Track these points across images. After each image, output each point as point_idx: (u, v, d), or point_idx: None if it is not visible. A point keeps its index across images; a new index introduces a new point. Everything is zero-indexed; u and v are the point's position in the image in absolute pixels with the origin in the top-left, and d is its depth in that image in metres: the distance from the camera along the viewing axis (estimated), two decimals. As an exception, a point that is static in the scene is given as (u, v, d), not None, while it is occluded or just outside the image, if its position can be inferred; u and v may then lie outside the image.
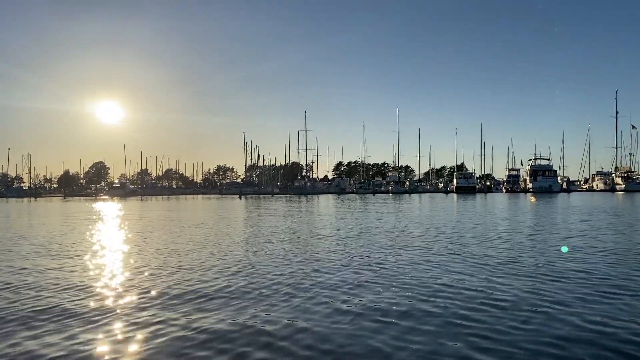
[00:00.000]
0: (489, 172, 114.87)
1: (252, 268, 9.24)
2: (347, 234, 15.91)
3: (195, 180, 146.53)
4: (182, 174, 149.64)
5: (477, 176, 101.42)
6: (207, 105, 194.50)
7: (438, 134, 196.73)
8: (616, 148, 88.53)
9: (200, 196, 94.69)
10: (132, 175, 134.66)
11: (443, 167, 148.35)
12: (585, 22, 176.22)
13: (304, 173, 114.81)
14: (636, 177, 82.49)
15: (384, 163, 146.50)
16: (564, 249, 7.25)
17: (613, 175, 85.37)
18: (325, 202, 48.98)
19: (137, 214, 32.19)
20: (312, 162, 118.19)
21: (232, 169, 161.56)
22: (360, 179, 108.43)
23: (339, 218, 24.60)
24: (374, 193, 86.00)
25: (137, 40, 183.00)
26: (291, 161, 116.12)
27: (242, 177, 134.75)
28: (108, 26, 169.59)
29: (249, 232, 17.35)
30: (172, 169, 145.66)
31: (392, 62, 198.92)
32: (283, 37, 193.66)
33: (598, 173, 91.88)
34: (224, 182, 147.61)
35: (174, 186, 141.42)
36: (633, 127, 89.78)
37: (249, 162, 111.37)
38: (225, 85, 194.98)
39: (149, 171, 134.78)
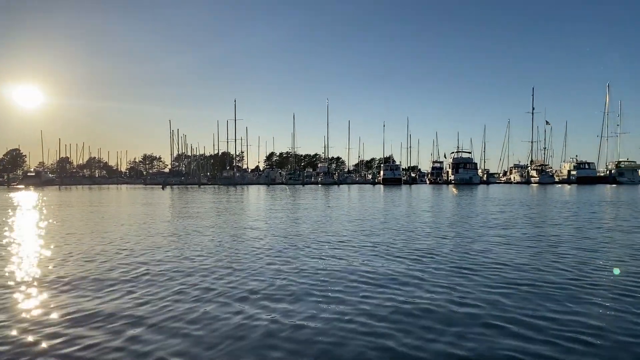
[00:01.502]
0: (415, 165, 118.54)
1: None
2: (252, 224, 15.73)
3: (119, 169, 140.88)
4: (106, 162, 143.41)
5: (404, 168, 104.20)
6: (133, 92, 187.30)
7: (368, 127, 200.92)
8: (532, 142, 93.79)
9: (124, 186, 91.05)
10: (51, 164, 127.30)
11: (372, 159, 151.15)
12: (504, 22, 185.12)
13: (234, 163, 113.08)
14: (549, 170, 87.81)
15: (316, 154, 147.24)
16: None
17: (529, 168, 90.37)
18: (252, 193, 48.46)
19: (32, 204, 30.36)
20: (242, 152, 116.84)
21: (159, 158, 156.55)
22: (292, 170, 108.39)
23: (259, 209, 24.33)
24: (303, 184, 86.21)
25: (61, 24, 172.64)
26: (221, 151, 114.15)
27: (170, 166, 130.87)
28: (31, 8, 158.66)
29: (130, 226, 16.73)
30: (95, 158, 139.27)
31: (322, 54, 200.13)
32: (213, 28, 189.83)
33: (515, 166, 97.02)
34: (150, 171, 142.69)
35: (97, 175, 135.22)
36: (547, 122, 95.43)
37: (176, 152, 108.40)
38: (151, 73, 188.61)
39: (70, 159, 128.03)
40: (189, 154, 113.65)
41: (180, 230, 14.19)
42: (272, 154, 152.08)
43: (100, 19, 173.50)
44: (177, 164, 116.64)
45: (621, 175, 79.20)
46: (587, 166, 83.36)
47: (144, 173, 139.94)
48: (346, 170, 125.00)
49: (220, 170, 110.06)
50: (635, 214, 19.72)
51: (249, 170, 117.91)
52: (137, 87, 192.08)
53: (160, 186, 77.65)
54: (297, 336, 4.74)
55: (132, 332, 4.90)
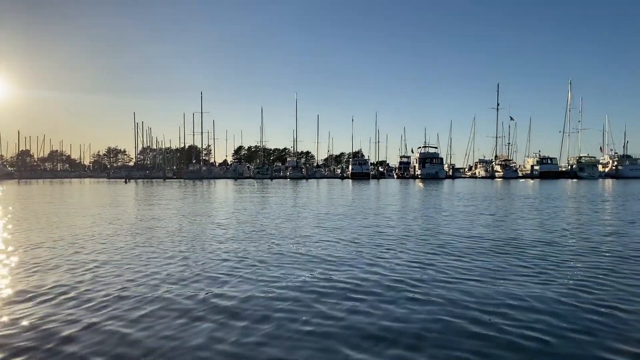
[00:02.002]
0: (383, 159, 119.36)
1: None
2: (209, 220, 15.35)
3: (83, 162, 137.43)
4: (69, 156, 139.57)
5: (372, 163, 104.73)
6: (96, 84, 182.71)
7: (337, 121, 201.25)
8: (496, 138, 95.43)
9: (87, 180, 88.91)
10: (10, 157, 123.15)
11: (342, 154, 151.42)
12: (470, 20, 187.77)
13: (202, 157, 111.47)
14: (513, 165, 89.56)
15: (285, 148, 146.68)
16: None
17: (493, 163, 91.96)
18: (217, 188, 47.77)
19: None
20: (209, 146, 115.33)
21: (124, 151, 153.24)
22: (260, 164, 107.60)
23: (221, 205, 23.88)
24: (271, 178, 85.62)
25: (20, 13, 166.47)
26: (188, 144, 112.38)
27: (135, 160, 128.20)
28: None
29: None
30: (56, 151, 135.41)
31: (290, 48, 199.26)
32: (178, 20, 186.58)
33: (480, 161, 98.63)
34: (115, 165, 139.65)
35: (59, 169, 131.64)
36: (511, 118, 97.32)
37: (141, 145, 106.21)
38: (115, 64, 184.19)
39: (31, 152, 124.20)
40: (155, 147, 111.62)
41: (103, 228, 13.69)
42: (240, 148, 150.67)
43: (62, 8, 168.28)
44: (142, 157, 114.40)
45: (582, 170, 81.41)
46: (549, 161, 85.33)
47: (108, 166, 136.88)
48: (315, 164, 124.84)
49: (187, 164, 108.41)
50: (596, 207, 20.14)
51: (217, 164, 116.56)
52: (100, 79, 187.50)
53: (124, 180, 75.99)
54: (234, 334, 4.47)
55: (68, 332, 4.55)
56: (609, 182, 60.81)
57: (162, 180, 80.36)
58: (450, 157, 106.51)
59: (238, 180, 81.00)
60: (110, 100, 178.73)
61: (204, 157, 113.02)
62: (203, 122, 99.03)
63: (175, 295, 6.04)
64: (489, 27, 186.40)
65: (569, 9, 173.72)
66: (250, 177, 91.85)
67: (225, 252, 9.15)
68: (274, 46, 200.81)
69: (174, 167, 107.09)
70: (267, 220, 15.17)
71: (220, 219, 15.71)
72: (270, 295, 6.01)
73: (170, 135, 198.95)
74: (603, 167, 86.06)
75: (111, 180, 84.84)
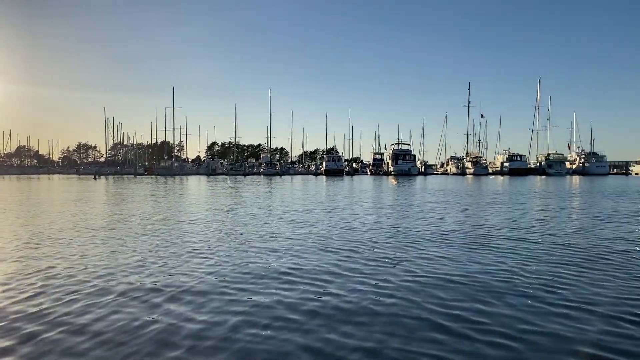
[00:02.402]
0: (357, 156, 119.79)
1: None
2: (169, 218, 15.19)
3: (52, 158, 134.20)
4: (37, 151, 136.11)
5: (346, 159, 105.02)
6: (65, 78, 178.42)
7: (311, 117, 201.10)
8: (467, 135, 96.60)
9: (56, 176, 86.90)
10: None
11: (316, 150, 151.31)
12: (442, 19, 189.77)
13: (174, 153, 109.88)
14: (483, 162, 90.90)
15: (259, 144, 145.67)
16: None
17: (464, 160, 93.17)
18: (189, 184, 47.20)
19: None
20: (182, 142, 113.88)
21: (95, 147, 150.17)
22: (234, 160, 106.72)
23: (191, 199, 23.64)
24: (245, 175, 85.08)
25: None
26: (160, 140, 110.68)
27: (106, 156, 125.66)
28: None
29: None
30: (24, 146, 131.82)
31: (264, 43, 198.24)
32: (151, 16, 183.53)
33: (452, 158, 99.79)
34: (85, 161, 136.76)
35: (27, 165, 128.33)
36: (482, 116, 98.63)
37: (112, 141, 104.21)
38: (85, 59, 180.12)
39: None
40: (126, 143, 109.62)
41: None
42: (213, 144, 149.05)
43: (33, 3, 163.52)
44: (113, 153, 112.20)
45: (550, 167, 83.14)
46: (518, 158, 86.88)
47: (78, 162, 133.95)
48: (290, 160, 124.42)
49: (159, 161, 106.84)
50: (563, 204, 20.62)
51: (189, 160, 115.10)
52: (69, 73, 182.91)
53: (93, 176, 74.52)
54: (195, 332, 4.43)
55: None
56: (576, 179, 62.24)
57: (133, 176, 79.12)
58: (423, 153, 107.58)
59: (211, 176, 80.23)
60: (81, 96, 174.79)
61: (176, 153, 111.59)
62: (175, 118, 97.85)
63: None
64: (461, 26, 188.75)
65: (538, 9, 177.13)
66: (223, 174, 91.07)
67: (188, 249, 9.07)
68: (248, 42, 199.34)
69: (146, 163, 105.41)
70: (236, 217, 15.08)
71: (179, 215, 15.55)
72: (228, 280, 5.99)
73: (142, 131, 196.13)
74: (570, 164, 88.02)
75: (81, 176, 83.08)
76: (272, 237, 10.74)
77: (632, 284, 6.37)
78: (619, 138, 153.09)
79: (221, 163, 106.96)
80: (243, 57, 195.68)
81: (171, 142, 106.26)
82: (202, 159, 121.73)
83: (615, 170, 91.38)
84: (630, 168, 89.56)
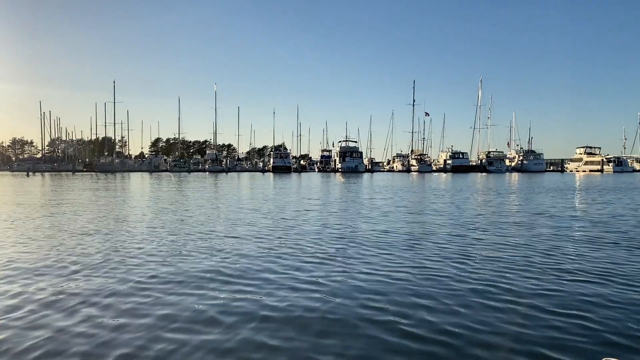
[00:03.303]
0: (306, 152, 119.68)
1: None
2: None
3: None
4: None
5: (295, 156, 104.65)
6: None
7: (259, 114, 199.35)
8: (412, 133, 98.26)
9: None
10: None
11: (265, 147, 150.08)
12: (389, 18, 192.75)
13: (116, 149, 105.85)
14: (427, 159, 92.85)
15: (206, 141, 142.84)
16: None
17: (409, 157, 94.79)
18: (125, 181, 45.54)
19: None
20: (123, 137, 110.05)
21: (31, 142, 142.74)
22: (179, 157, 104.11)
23: (127, 196, 22.64)
24: (189, 171, 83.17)
25: None
26: (101, 136, 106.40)
27: (42, 152, 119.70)
28: None
29: None
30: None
31: (208, 39, 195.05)
32: (92, 9, 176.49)
33: (398, 155, 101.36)
34: (20, 157, 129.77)
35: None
36: (426, 114, 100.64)
37: (49, 136, 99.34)
38: (18, 52, 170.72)
39: None
40: (65, 138, 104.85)
41: None
42: (158, 140, 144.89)
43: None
44: (51, 149, 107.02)
45: (490, 164, 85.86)
46: (461, 156, 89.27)
47: (12, 159, 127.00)
48: (237, 157, 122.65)
49: (99, 157, 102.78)
50: (503, 200, 21.14)
51: (133, 156, 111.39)
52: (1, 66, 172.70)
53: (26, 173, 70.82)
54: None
55: None
56: (514, 176, 64.57)
57: (71, 173, 75.75)
58: (371, 151, 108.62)
59: (153, 173, 77.94)
60: (14, 89, 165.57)
61: (118, 150, 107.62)
62: (116, 113, 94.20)
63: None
64: (406, 25, 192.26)
65: (479, 10, 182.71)
66: (166, 170, 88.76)
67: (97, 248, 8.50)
68: (193, 38, 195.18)
69: (86, 160, 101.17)
70: (169, 216, 14.48)
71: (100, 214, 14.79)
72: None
73: (82, 126, 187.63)
74: (510, 161, 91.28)
75: (15, 173, 78.84)
76: (206, 235, 10.27)
77: (559, 277, 6.37)
78: (555, 136, 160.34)
79: (165, 160, 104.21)
80: (189, 52, 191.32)
81: (114, 138, 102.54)
82: (146, 156, 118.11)
83: (551, 167, 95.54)
84: (565, 165, 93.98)
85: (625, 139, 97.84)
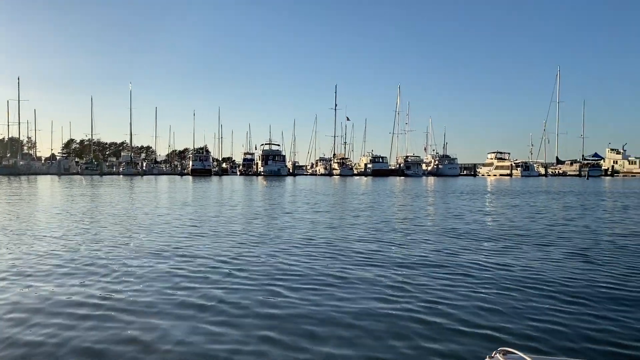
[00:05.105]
0: (229, 155, 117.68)
1: None
2: None
3: None
4: None
5: (217, 159, 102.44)
6: None
7: (179, 115, 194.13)
8: (335, 137, 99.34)
9: None
10: None
11: (186, 149, 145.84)
12: (312, 20, 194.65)
13: (23, 150, 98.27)
14: (349, 163, 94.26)
15: (123, 142, 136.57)
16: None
17: (332, 161, 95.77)
18: (29, 185, 42.27)
19: None
20: (30, 138, 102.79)
21: None
22: (90, 159, 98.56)
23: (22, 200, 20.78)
24: (101, 174, 78.95)
25: None
26: (4, 136, 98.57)
27: None
28: None
29: None
30: None
31: (125, 38, 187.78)
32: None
33: (321, 159, 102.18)
34: None
35: None
36: (348, 119, 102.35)
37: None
38: None
39: None
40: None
41: None
42: (71, 141, 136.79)
43: None
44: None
45: (408, 168, 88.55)
46: (381, 160, 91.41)
47: None
48: (155, 160, 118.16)
49: (2, 159, 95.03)
50: (420, 202, 21.53)
51: (43, 158, 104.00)
52: None
53: None
54: None
55: None
56: (431, 179, 66.95)
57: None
58: (294, 154, 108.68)
59: (63, 176, 73.14)
60: None
61: (26, 151, 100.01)
62: (21, 111, 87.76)
63: None
64: (329, 30, 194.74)
65: (399, 16, 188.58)
66: (77, 173, 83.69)
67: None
68: (109, 37, 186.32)
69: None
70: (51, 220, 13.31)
71: None
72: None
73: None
74: (426, 165, 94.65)
75: None
76: (91, 241, 9.38)
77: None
78: (468, 142, 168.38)
79: (76, 162, 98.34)
80: (99, 49, 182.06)
81: (22, 139, 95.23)
82: (57, 158, 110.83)
83: (465, 171, 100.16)
84: (478, 170, 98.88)
85: (532, 145, 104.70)
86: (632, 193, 30.60)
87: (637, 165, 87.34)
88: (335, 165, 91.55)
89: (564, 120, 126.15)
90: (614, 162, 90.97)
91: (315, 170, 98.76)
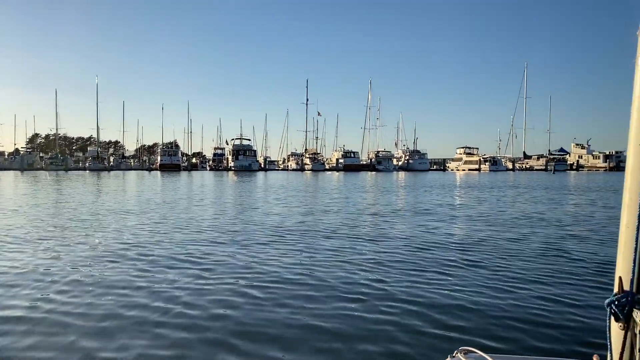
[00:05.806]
0: (199, 150, 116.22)
1: None
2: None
3: None
4: None
5: (186, 154, 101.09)
6: None
7: (147, 110, 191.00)
8: (306, 132, 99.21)
9: None
10: None
11: (155, 144, 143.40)
12: (284, 15, 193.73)
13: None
14: (321, 158, 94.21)
15: (90, 137, 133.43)
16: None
17: (304, 156, 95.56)
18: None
19: None
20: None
21: None
22: (58, 154, 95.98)
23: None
24: (66, 170, 77.03)
25: None
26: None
27: None
28: None
29: None
30: None
31: (94, 31, 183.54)
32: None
33: (292, 154, 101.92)
34: None
35: None
36: (319, 113, 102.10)
37: None
38: None
39: None
40: None
41: None
42: (35, 136, 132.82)
43: None
44: None
45: (379, 163, 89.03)
46: (352, 155, 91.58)
47: None
48: (123, 155, 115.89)
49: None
50: (390, 197, 21.61)
51: (6, 153, 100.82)
52: None
53: None
54: None
55: None
56: (401, 174, 67.53)
57: None
58: (266, 149, 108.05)
59: (26, 172, 71.04)
60: None
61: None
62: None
63: None
64: (301, 24, 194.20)
65: (371, 13, 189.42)
66: (42, 169, 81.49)
67: None
68: (72, 26, 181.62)
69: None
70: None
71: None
72: None
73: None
74: (397, 160, 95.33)
75: None
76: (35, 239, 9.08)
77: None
78: (438, 137, 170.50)
79: (41, 157, 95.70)
80: (65, 39, 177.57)
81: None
82: (21, 153, 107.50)
83: (435, 166, 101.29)
84: (447, 165, 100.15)
85: (500, 140, 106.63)
86: (589, 188, 31.47)
87: (600, 160, 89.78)
88: (307, 161, 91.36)
89: (531, 116, 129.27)
90: (579, 157, 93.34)
91: (287, 166, 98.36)
